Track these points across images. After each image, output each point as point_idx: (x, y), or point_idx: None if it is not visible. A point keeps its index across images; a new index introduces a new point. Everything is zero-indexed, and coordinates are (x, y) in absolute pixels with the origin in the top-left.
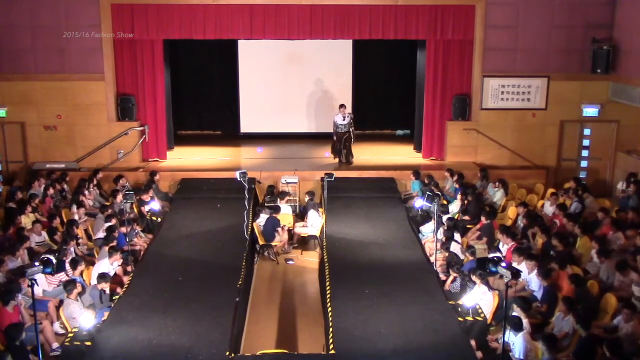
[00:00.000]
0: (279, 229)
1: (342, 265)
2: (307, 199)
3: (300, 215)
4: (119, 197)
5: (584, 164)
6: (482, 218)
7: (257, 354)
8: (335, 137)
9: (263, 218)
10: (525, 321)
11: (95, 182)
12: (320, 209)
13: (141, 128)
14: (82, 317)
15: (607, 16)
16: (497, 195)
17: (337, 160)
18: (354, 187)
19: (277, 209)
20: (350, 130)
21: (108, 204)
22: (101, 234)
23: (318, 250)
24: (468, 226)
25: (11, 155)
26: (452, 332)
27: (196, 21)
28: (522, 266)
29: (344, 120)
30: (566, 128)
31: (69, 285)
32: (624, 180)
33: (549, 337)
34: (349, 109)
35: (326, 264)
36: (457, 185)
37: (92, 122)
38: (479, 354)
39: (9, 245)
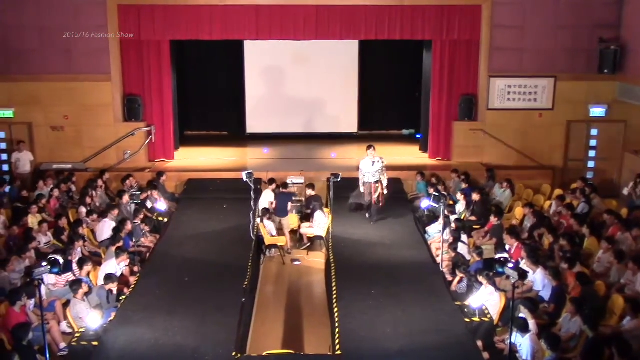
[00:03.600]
0: (290, 204)
1: (348, 266)
2: (308, 191)
3: (306, 215)
4: (126, 198)
5: (591, 164)
6: (493, 219)
7: (263, 354)
8: (362, 188)
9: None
10: (532, 322)
11: (101, 182)
12: (326, 210)
13: (148, 128)
14: (89, 317)
15: (614, 16)
16: (504, 195)
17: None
18: None
19: (285, 185)
20: (382, 179)
21: (114, 203)
22: (106, 235)
23: (324, 250)
24: (474, 227)
25: None
26: (458, 333)
27: (202, 22)
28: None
29: (372, 165)
30: (573, 128)
31: (75, 285)
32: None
33: (550, 336)
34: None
35: (332, 265)
36: (464, 186)
37: (99, 122)
38: (485, 355)
39: (14, 245)
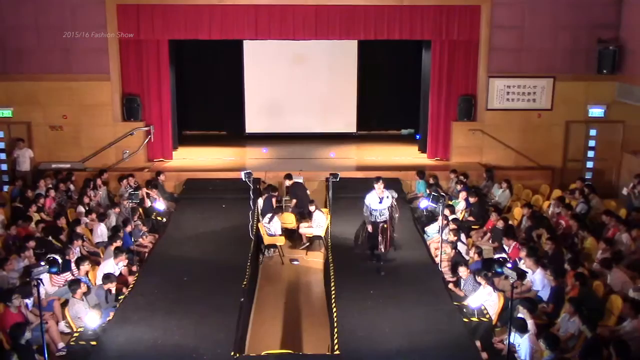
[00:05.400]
0: (274, 200)
1: (347, 266)
2: (286, 182)
3: (303, 214)
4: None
5: (589, 164)
6: (498, 221)
7: (262, 354)
8: (369, 228)
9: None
10: (530, 322)
11: (100, 182)
12: (325, 209)
13: (146, 128)
14: (88, 317)
15: (613, 16)
16: (503, 195)
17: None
18: (359, 187)
19: (274, 189)
20: (392, 216)
21: (116, 202)
22: (101, 238)
23: (323, 250)
24: (473, 227)
25: None
26: (457, 333)
27: (201, 21)
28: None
29: (380, 202)
30: (572, 129)
31: (73, 284)
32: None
33: (549, 336)
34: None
35: (331, 265)
36: (459, 187)
37: (98, 122)
38: (484, 355)
39: (13, 244)
